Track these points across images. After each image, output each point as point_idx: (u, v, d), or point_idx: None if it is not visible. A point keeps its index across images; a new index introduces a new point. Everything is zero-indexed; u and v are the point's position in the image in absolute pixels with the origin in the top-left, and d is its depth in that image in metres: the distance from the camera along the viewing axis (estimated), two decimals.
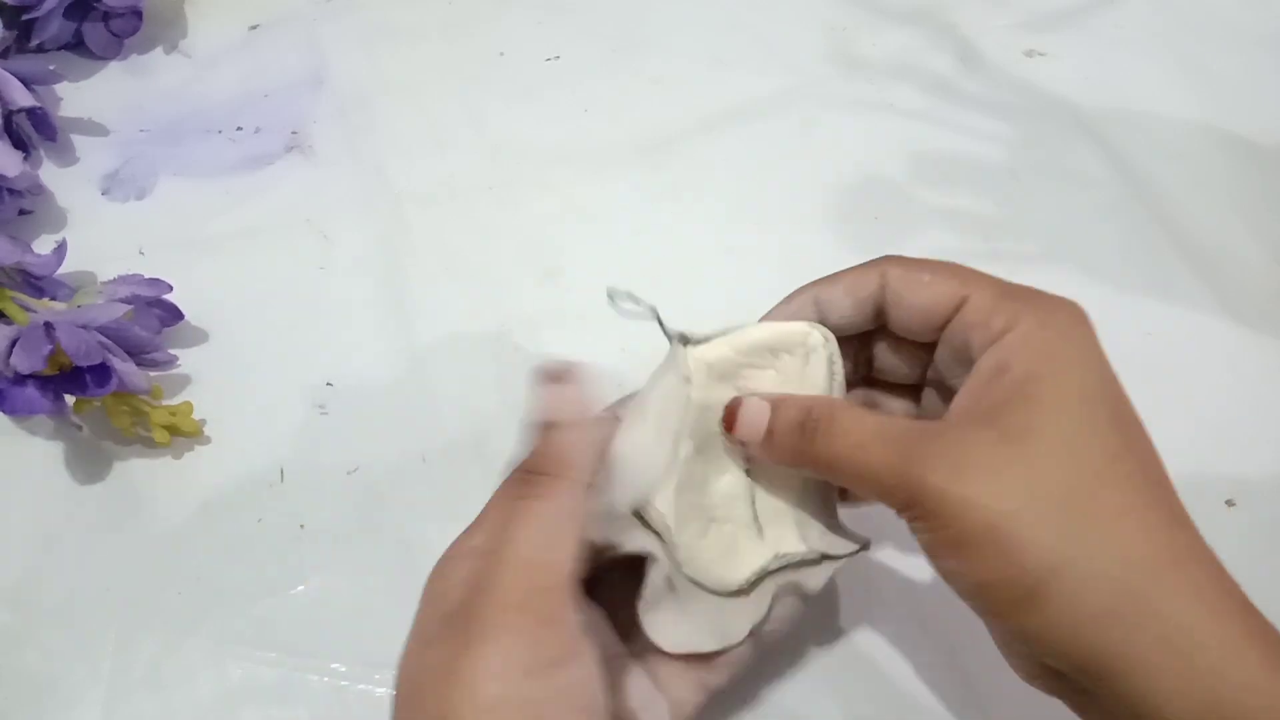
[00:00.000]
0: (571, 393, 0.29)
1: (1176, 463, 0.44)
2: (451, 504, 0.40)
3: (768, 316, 0.34)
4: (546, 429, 0.28)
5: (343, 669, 0.39)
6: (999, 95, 0.58)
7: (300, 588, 0.40)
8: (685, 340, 0.32)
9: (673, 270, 0.50)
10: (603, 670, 0.26)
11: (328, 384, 0.46)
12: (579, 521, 0.27)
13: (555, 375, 0.29)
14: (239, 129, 0.56)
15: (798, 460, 0.30)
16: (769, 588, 0.32)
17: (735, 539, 0.32)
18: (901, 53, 0.60)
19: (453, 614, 0.26)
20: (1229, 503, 0.43)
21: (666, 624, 0.31)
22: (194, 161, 0.55)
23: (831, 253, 0.51)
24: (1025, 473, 0.26)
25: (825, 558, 0.33)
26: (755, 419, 0.31)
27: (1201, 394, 0.46)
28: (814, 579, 0.33)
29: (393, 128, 0.56)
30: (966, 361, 0.29)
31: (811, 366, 0.33)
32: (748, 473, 0.33)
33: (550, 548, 0.26)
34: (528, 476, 0.28)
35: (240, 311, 0.48)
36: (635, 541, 0.31)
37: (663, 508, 0.31)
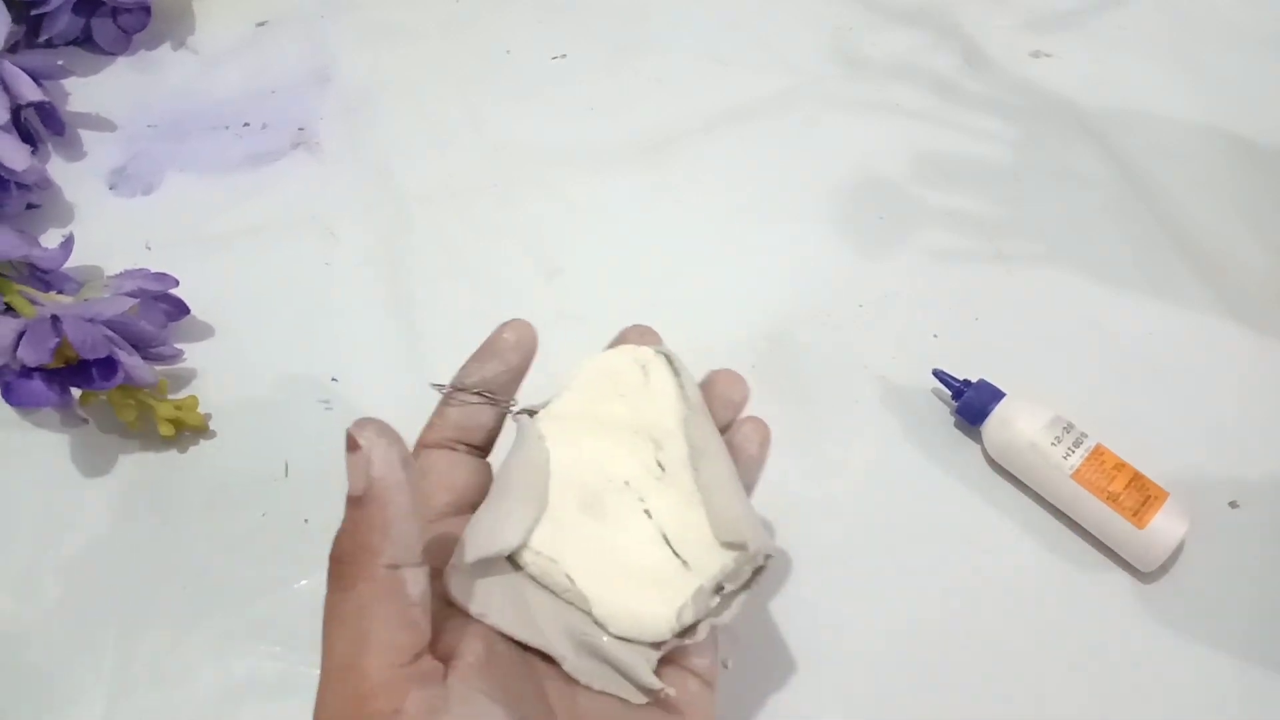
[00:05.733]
0: (383, 456, 0.25)
1: (1180, 464, 0.44)
2: None
3: None
4: (349, 505, 0.25)
5: None
6: (1002, 95, 0.58)
7: (304, 582, 0.41)
8: (530, 412, 0.32)
9: (674, 269, 0.51)
10: None
11: (332, 379, 0.46)
12: (394, 605, 0.25)
13: (354, 441, 0.25)
14: (245, 125, 0.56)
15: None
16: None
17: (659, 580, 0.30)
18: (905, 53, 0.60)
19: None
20: (1232, 504, 0.43)
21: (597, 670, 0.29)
22: (201, 157, 0.55)
23: (834, 252, 0.51)
24: None
25: (745, 556, 0.30)
26: None
27: (1204, 394, 0.46)
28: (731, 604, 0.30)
29: (398, 125, 0.56)
30: None
31: (654, 380, 0.33)
32: (648, 514, 0.31)
33: (361, 647, 0.24)
34: (334, 566, 0.25)
35: (246, 307, 0.49)
36: (519, 604, 0.29)
37: (543, 548, 0.29)
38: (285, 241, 0.51)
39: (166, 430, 0.43)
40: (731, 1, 0.63)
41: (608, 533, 0.31)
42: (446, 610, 0.28)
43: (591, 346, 0.47)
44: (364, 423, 0.25)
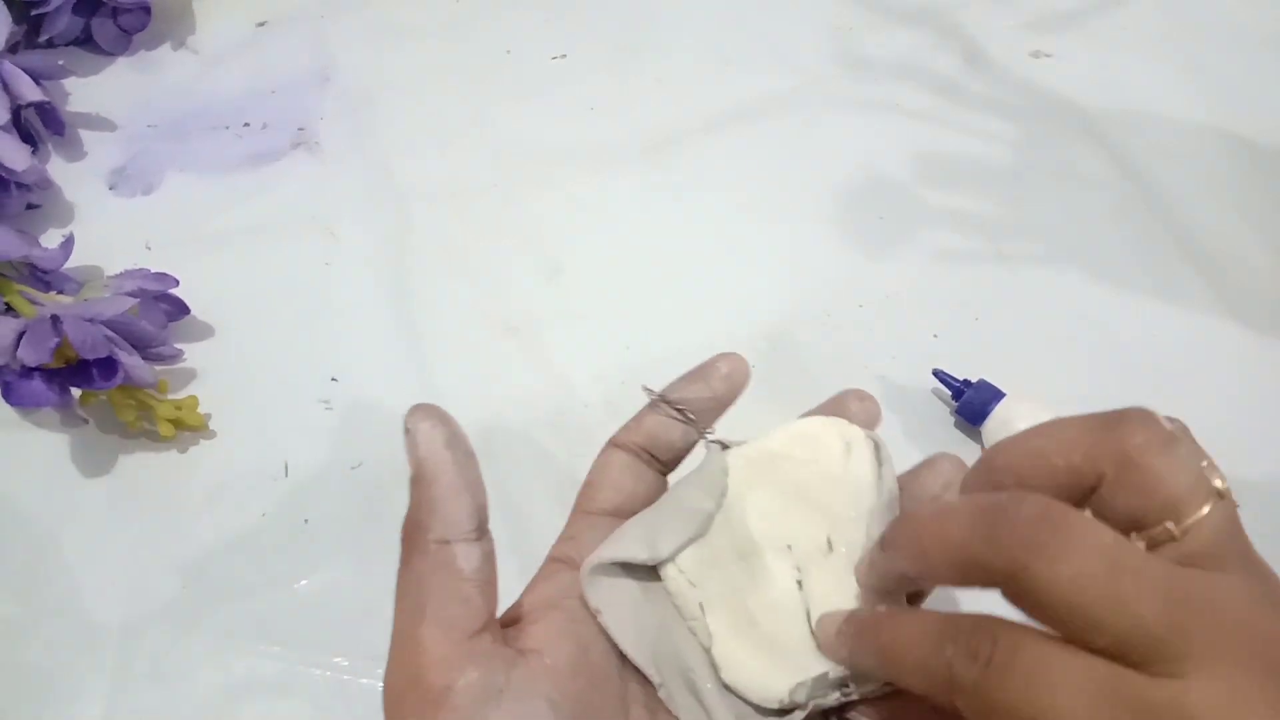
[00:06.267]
0: (427, 437, 0.26)
1: None
2: None
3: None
4: (411, 485, 0.26)
5: (345, 663, 0.39)
6: (1004, 96, 0.58)
7: (303, 582, 0.41)
8: (724, 445, 0.32)
9: (674, 269, 0.51)
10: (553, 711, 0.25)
11: (332, 379, 0.46)
12: (444, 579, 0.25)
13: (410, 425, 0.26)
14: (246, 125, 0.56)
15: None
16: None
17: (787, 651, 0.29)
18: (907, 53, 0.60)
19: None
20: None
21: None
22: (201, 157, 0.55)
23: (834, 252, 0.51)
24: None
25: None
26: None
27: (1205, 395, 0.46)
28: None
29: (398, 125, 0.56)
30: None
31: (855, 462, 0.31)
32: (799, 585, 0.30)
33: (417, 619, 0.25)
34: (401, 544, 0.26)
35: (246, 307, 0.49)
36: (638, 615, 0.28)
37: (686, 568, 0.29)
38: (285, 241, 0.51)
39: (166, 430, 0.43)
40: (732, 1, 0.63)
41: (753, 586, 0.30)
42: (556, 604, 0.28)
43: (594, 344, 0.48)
44: (415, 409, 0.26)
